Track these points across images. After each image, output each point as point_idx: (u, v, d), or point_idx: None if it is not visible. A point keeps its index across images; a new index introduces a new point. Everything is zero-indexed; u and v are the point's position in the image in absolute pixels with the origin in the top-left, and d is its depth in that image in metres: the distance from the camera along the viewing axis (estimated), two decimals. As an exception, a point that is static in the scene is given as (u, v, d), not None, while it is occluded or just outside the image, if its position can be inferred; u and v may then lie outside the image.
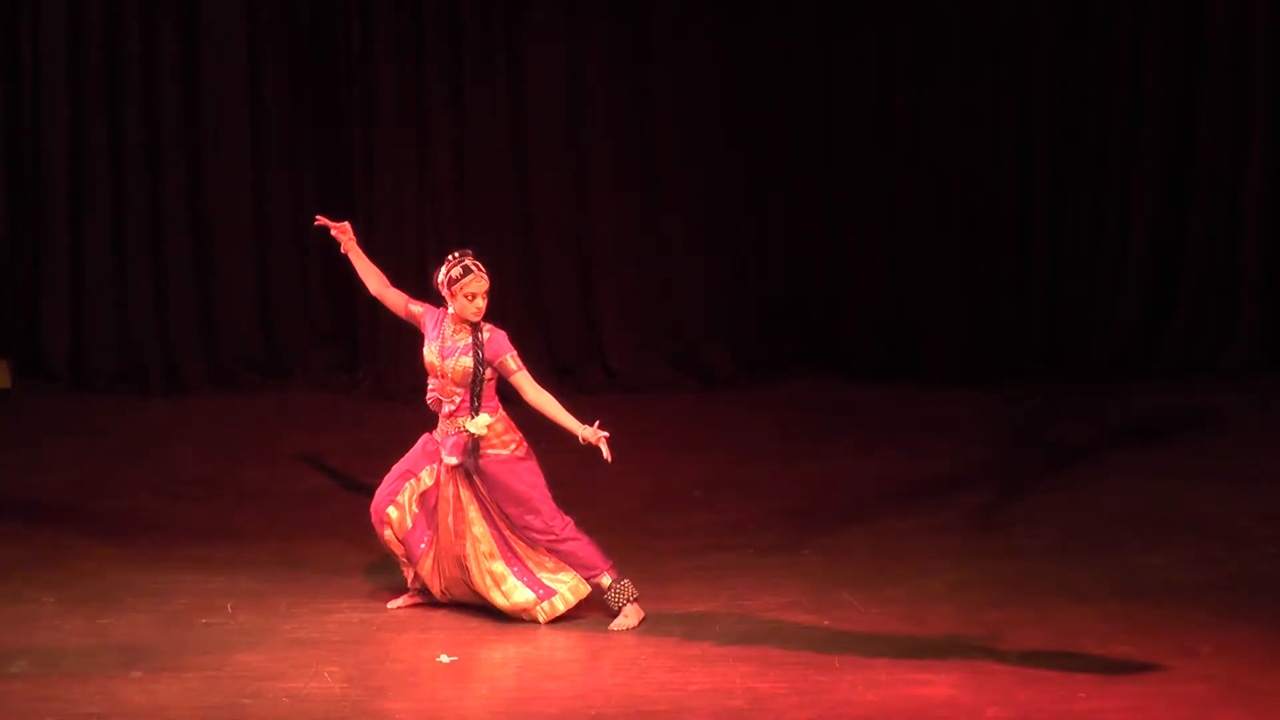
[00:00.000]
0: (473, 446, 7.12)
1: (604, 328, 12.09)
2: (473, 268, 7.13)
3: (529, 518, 7.19)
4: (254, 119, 11.95)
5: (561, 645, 7.01)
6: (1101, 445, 10.19)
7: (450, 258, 7.17)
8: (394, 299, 7.38)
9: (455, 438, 7.16)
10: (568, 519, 7.24)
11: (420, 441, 7.35)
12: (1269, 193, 12.09)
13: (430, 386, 7.26)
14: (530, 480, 7.20)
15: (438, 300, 7.28)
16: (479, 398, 7.13)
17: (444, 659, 6.81)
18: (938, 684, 6.44)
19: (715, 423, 11.14)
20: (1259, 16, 11.95)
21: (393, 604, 7.44)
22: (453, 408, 7.16)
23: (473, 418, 7.11)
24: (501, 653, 6.96)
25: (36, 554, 8.28)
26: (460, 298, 7.12)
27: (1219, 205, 12.11)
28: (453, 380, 7.14)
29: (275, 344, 12.10)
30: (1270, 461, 9.76)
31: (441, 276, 7.17)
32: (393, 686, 6.56)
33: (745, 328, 12.20)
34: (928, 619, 7.21)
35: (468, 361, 7.10)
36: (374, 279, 7.47)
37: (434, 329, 7.21)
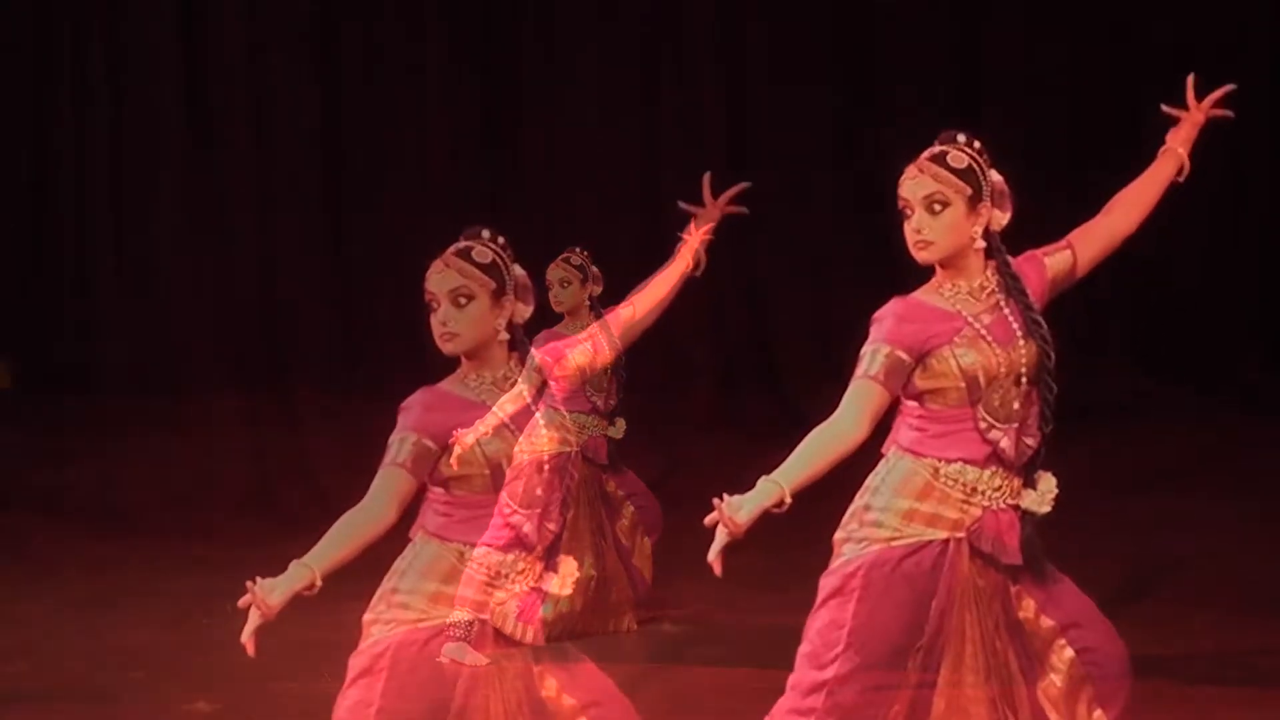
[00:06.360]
0: None
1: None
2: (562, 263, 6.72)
3: None
4: (255, 117, 11.96)
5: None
6: (1102, 445, 10.18)
7: None
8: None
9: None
10: None
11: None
12: (1269, 193, 12.11)
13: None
14: None
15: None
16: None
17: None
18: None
19: (716, 422, 11.13)
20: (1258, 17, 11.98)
21: None
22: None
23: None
24: (501, 653, 6.95)
25: (37, 554, 8.27)
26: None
27: (1220, 205, 12.11)
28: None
29: (276, 344, 12.10)
30: (1271, 463, 9.76)
31: None
32: (393, 687, 6.55)
33: (745, 326, 12.20)
34: (928, 619, 7.19)
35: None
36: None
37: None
